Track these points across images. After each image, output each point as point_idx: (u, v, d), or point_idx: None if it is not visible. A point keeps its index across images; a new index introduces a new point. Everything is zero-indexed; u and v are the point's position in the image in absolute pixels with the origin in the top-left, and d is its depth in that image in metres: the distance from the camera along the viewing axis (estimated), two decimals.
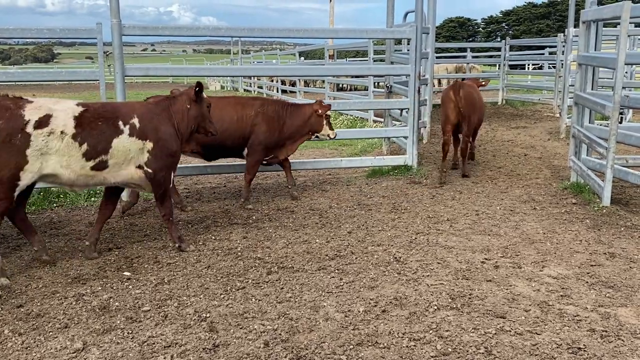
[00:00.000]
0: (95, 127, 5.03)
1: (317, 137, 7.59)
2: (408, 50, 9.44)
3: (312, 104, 7.52)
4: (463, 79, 11.10)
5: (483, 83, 9.93)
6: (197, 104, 5.75)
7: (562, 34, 15.63)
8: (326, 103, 7.55)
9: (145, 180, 5.41)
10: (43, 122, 4.78)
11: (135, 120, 5.26)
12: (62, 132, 4.85)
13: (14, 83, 34.02)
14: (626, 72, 13.07)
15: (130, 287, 4.66)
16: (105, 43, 7.10)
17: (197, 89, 5.68)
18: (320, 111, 7.32)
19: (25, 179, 4.77)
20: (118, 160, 5.18)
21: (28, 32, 7.28)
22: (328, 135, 7.52)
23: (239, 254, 5.44)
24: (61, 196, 7.29)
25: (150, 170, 5.35)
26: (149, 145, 5.32)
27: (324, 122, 7.39)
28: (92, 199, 7.30)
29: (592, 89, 7.89)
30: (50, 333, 3.90)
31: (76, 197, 7.27)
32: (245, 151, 7.19)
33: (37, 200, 7.10)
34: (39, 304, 4.36)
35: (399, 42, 12.11)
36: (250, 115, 7.07)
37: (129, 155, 5.23)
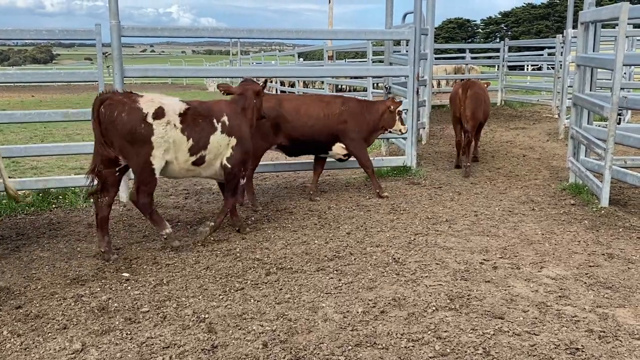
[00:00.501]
0: (197, 124, 5.50)
1: (389, 132, 7.92)
2: (407, 51, 9.45)
3: (385, 100, 8.04)
4: (461, 80, 11.19)
5: (486, 85, 10.07)
6: (259, 98, 6.23)
7: (561, 35, 15.66)
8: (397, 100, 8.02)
9: (222, 174, 5.87)
10: (159, 113, 5.23)
11: (225, 118, 5.72)
12: (175, 125, 5.32)
13: (12, 84, 34.03)
14: (624, 73, 13.08)
15: (129, 288, 4.66)
16: (104, 44, 7.11)
17: (263, 86, 6.26)
18: (392, 107, 7.68)
19: (156, 163, 5.28)
20: (212, 155, 5.66)
21: (27, 33, 7.28)
22: (400, 130, 7.88)
23: (238, 255, 5.44)
24: (60, 197, 7.29)
25: (229, 165, 5.82)
26: (233, 141, 5.80)
27: (397, 117, 7.74)
28: (91, 200, 7.28)
29: (590, 90, 7.90)
30: (49, 334, 3.90)
31: (75, 199, 7.26)
32: (333, 149, 7.60)
33: (36, 201, 7.10)
34: (37, 305, 4.36)
35: (397, 43, 12.12)
36: (336, 113, 7.47)
37: (219, 151, 5.71)
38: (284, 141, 7.28)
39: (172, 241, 5.58)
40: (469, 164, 8.91)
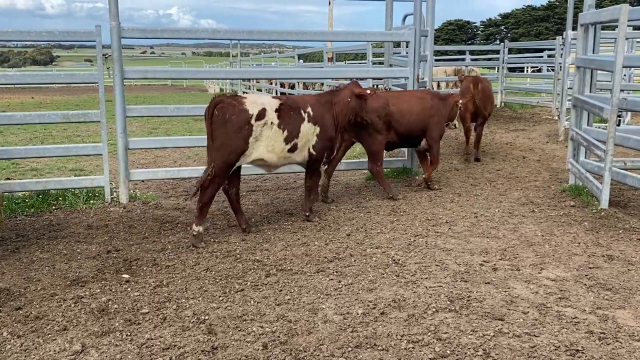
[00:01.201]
0: (290, 117, 6.19)
1: (446, 124, 8.26)
2: (407, 53, 9.46)
3: (454, 94, 8.41)
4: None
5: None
6: (357, 98, 6.81)
7: (561, 37, 15.67)
8: None
9: (307, 159, 6.51)
10: (261, 114, 5.93)
11: (310, 109, 6.40)
12: (271, 123, 6.00)
13: (12, 86, 34.04)
14: (624, 75, 13.09)
15: (129, 289, 4.66)
16: (104, 46, 7.12)
17: (363, 93, 6.81)
18: (460, 102, 8.09)
19: (241, 161, 6.00)
20: (302, 142, 6.33)
21: (27, 34, 7.28)
22: (455, 125, 8.35)
23: (238, 256, 5.44)
24: (60, 199, 7.28)
25: (314, 152, 6.48)
26: (317, 129, 6.45)
27: (457, 111, 8.23)
28: (91, 201, 7.30)
29: (590, 92, 7.91)
30: (49, 335, 3.90)
31: (75, 200, 7.26)
32: (424, 143, 7.99)
33: (35, 202, 7.10)
34: (37, 306, 4.36)
35: (397, 45, 12.12)
36: (427, 107, 7.86)
37: (307, 138, 6.37)
38: (394, 137, 7.73)
39: (196, 240, 5.87)
40: (479, 156, 9.80)
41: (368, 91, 6.89)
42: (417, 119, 7.74)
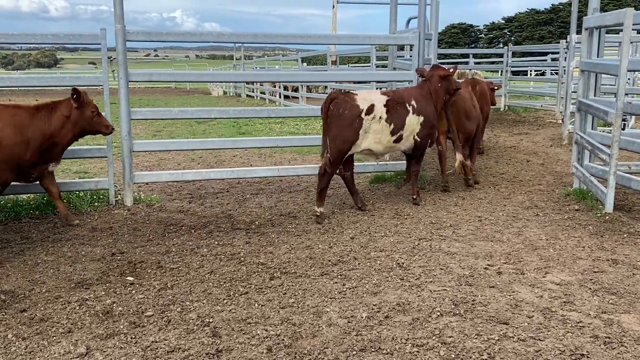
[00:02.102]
0: (396, 111, 6.94)
1: None
2: (411, 56, 9.46)
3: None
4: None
5: (496, 87, 10.41)
6: (444, 80, 7.38)
7: (565, 41, 15.67)
8: None
9: (412, 147, 7.25)
10: (370, 110, 6.73)
11: (414, 102, 7.11)
12: (380, 117, 6.80)
13: (17, 88, 34.14)
14: (629, 79, 13.09)
15: (134, 292, 4.67)
16: (108, 48, 7.14)
17: (447, 73, 7.34)
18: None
19: (352, 151, 6.83)
20: (407, 133, 7.08)
21: (32, 37, 7.31)
22: None
23: (242, 259, 5.44)
24: (64, 201, 7.29)
25: (418, 139, 7.20)
26: (421, 119, 7.14)
27: None
28: (96, 204, 7.31)
29: (594, 96, 7.90)
30: (54, 338, 3.91)
31: (79, 202, 7.27)
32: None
33: (40, 205, 7.11)
34: (42, 308, 4.37)
35: (401, 48, 12.12)
36: (479, 105, 8.61)
37: (411, 128, 7.09)
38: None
39: (319, 219, 6.71)
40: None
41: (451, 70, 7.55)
42: (478, 116, 8.55)
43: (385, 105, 6.82)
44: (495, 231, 6.29)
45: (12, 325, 4.08)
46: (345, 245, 5.83)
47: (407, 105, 7.03)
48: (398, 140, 7.03)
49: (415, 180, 7.51)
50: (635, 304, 4.40)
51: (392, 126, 6.89)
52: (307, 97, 22.63)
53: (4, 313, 4.28)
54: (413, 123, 7.06)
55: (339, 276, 4.97)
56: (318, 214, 6.71)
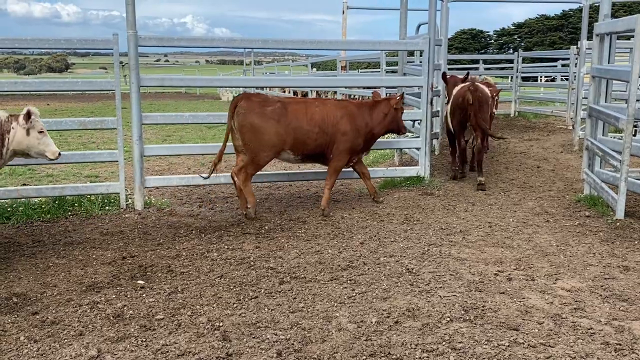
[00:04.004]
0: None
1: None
2: (420, 61, 9.47)
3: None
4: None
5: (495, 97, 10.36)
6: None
7: (575, 47, 15.60)
8: None
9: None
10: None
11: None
12: None
13: (29, 92, 34.41)
14: None
15: (144, 295, 4.69)
16: (120, 53, 7.19)
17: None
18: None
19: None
20: None
21: (45, 42, 7.38)
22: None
23: (252, 263, 5.46)
24: (75, 205, 7.35)
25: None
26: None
27: None
28: (107, 208, 7.36)
29: (605, 102, 7.87)
30: (65, 340, 3.93)
31: (90, 206, 7.32)
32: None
33: (51, 208, 7.17)
34: (54, 311, 4.40)
35: (411, 53, 12.14)
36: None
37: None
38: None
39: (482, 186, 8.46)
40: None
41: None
42: None
43: None
44: (505, 237, 6.27)
45: (24, 328, 4.11)
46: (355, 250, 5.84)
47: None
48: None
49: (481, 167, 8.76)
50: None
51: None
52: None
53: (16, 315, 4.32)
54: None
55: (349, 281, 4.98)
56: (481, 182, 8.65)
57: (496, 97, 10.39)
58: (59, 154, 5.84)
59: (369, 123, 7.46)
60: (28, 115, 5.62)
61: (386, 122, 7.59)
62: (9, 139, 5.62)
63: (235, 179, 7.14)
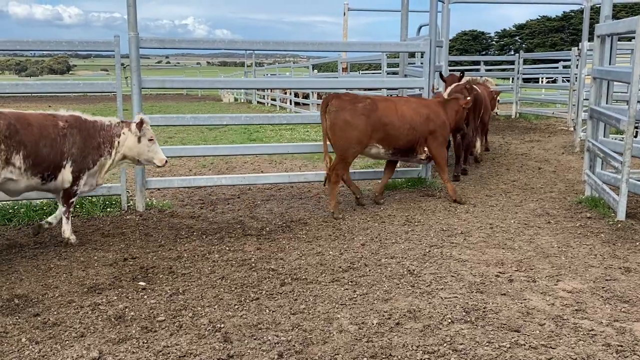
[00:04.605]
0: None
1: None
2: (421, 63, 9.48)
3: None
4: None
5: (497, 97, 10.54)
6: None
7: (576, 48, 15.61)
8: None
9: None
10: None
11: None
12: None
13: (30, 94, 34.47)
14: None
15: (146, 297, 4.70)
16: (121, 55, 7.20)
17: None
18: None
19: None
20: None
21: (47, 44, 7.38)
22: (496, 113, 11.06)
23: (253, 265, 5.46)
24: (77, 207, 7.36)
25: None
26: None
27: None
28: (108, 209, 7.37)
29: (606, 103, 7.87)
30: (67, 342, 3.94)
31: (92, 208, 7.33)
32: None
33: (53, 210, 7.17)
34: (55, 312, 4.40)
35: (412, 55, 12.15)
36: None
37: None
38: None
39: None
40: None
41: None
42: None
43: None
44: (506, 238, 6.27)
45: (25, 329, 4.12)
46: (356, 251, 5.84)
47: None
48: None
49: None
50: None
51: None
52: (317, 104, 22.66)
53: (17, 317, 4.32)
54: None
55: (350, 283, 4.98)
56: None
57: (497, 97, 10.47)
58: (166, 161, 6.28)
59: (447, 120, 7.99)
60: (141, 124, 6.07)
61: (457, 120, 8.28)
62: (118, 143, 6.08)
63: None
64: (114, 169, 6.66)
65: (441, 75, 9.86)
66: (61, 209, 6.07)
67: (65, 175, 5.83)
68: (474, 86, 9.48)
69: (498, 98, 12.49)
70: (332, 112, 7.23)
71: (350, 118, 7.22)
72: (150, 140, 6.14)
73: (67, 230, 6.08)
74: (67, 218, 6.08)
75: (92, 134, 5.99)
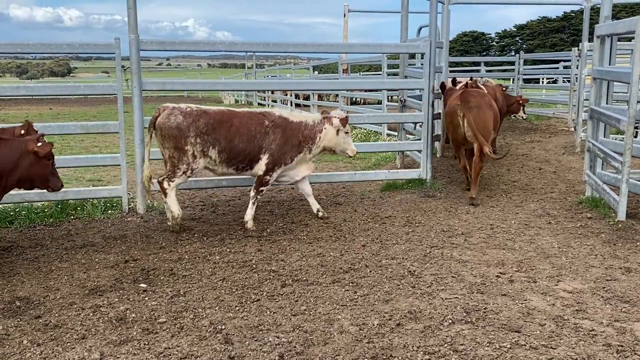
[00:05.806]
0: None
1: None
2: (422, 64, 9.49)
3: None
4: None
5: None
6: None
7: (577, 48, 15.60)
8: None
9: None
10: None
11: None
12: None
13: (31, 97, 34.48)
14: None
15: (147, 298, 4.71)
16: (122, 57, 7.22)
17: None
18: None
19: None
20: None
21: (48, 47, 7.40)
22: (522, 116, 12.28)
23: (254, 266, 5.47)
24: (78, 209, 7.38)
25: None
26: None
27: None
28: (109, 211, 7.38)
29: (607, 103, 7.88)
30: (68, 344, 3.95)
31: (93, 210, 7.35)
32: None
33: (54, 212, 7.20)
34: (56, 315, 4.41)
35: (412, 56, 12.16)
36: None
37: None
38: None
39: None
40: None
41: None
42: None
43: None
44: (507, 239, 6.28)
45: (27, 331, 4.13)
46: (357, 253, 5.85)
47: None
48: None
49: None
50: None
51: None
52: (318, 106, 22.68)
53: (19, 319, 4.33)
54: None
55: (351, 284, 4.99)
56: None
57: (522, 103, 10.62)
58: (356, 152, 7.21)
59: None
60: (346, 120, 6.99)
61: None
62: (320, 137, 6.91)
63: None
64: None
65: (453, 82, 9.93)
66: (251, 194, 6.82)
67: (260, 166, 6.68)
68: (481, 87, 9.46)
69: (523, 103, 12.43)
70: (473, 109, 7.69)
71: (489, 111, 7.93)
72: (346, 133, 6.99)
73: (248, 214, 6.76)
74: (253, 204, 6.79)
75: (295, 133, 6.75)
